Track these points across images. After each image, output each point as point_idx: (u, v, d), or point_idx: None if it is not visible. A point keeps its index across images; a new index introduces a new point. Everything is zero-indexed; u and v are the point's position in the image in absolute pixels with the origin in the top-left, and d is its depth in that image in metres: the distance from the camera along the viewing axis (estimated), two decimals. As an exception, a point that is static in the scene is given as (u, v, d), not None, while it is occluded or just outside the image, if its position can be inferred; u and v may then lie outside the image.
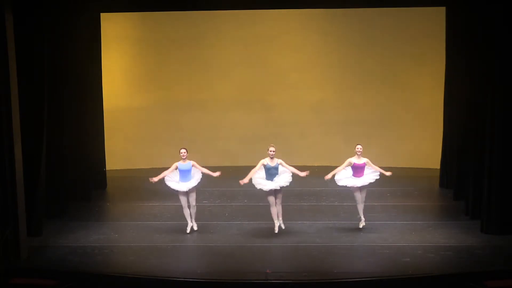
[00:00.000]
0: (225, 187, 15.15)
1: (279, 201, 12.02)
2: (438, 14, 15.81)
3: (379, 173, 12.17)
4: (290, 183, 11.97)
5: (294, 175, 11.98)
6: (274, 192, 11.94)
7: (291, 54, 17.95)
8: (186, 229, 12.25)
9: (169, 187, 12.20)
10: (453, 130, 14.92)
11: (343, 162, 12.15)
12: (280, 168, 11.93)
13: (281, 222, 12.14)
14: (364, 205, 12.32)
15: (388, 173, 12.17)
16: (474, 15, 12.86)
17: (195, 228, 12.31)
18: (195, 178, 12.15)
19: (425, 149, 17.46)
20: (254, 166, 11.96)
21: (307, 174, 11.93)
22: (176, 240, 11.89)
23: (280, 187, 11.90)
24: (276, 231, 12.02)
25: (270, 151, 11.87)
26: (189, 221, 12.27)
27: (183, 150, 12.10)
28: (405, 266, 10.56)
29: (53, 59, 12.63)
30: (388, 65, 17.70)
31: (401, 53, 17.60)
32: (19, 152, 11.00)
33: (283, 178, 11.92)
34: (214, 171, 12.25)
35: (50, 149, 12.56)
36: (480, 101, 12.61)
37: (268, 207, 12.13)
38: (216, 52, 17.93)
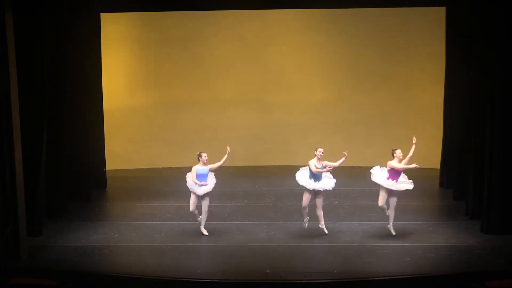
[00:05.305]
0: (225, 187, 15.13)
1: (319, 204, 11.86)
2: (438, 14, 15.82)
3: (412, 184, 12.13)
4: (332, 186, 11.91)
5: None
6: (314, 193, 11.87)
7: (291, 54, 17.93)
8: (188, 230, 12.18)
9: (188, 186, 12.01)
10: (453, 130, 14.92)
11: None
12: (324, 175, 11.83)
13: (323, 226, 11.98)
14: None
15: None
16: (474, 15, 12.86)
17: (205, 233, 12.06)
18: (210, 183, 11.99)
19: (425, 149, 17.41)
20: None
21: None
22: (176, 240, 11.87)
23: (323, 189, 11.79)
24: (305, 226, 11.98)
25: (320, 152, 11.82)
26: (201, 224, 12.13)
27: (204, 154, 11.93)
28: (405, 266, 10.56)
29: (53, 59, 12.62)
30: (388, 65, 17.69)
31: (401, 53, 17.59)
32: (19, 152, 11.00)
33: (327, 182, 11.82)
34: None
35: (50, 149, 12.55)
36: (480, 101, 12.62)
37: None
38: (216, 52, 17.92)
